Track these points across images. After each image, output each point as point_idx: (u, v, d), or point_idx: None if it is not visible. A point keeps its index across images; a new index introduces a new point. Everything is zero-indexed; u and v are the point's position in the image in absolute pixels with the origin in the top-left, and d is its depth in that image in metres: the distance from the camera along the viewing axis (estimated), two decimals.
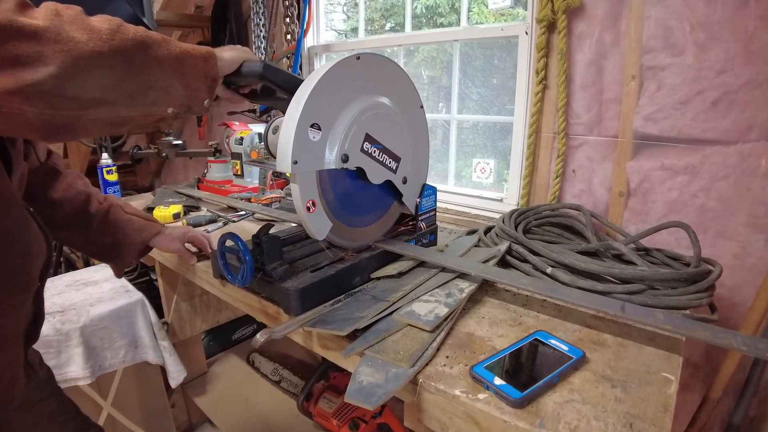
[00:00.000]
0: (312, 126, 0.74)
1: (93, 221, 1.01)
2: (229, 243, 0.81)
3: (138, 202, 1.77)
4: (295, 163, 0.71)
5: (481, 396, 0.61)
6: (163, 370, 1.62)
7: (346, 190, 0.85)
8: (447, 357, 0.69)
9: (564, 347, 0.70)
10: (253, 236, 0.81)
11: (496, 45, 1.53)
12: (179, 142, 1.81)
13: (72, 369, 1.42)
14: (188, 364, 1.72)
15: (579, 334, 0.76)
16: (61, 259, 2.69)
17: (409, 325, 0.73)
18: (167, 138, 1.84)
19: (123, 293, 1.58)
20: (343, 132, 0.79)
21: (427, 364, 0.66)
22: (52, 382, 1.02)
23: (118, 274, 1.14)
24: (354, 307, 0.78)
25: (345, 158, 0.79)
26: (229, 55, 0.74)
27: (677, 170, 1.14)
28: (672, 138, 1.13)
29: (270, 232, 0.83)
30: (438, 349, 0.70)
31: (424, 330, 0.71)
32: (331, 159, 0.78)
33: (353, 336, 0.72)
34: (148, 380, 1.63)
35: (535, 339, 0.72)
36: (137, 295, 1.57)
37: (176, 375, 1.61)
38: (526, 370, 0.66)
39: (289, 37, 1.86)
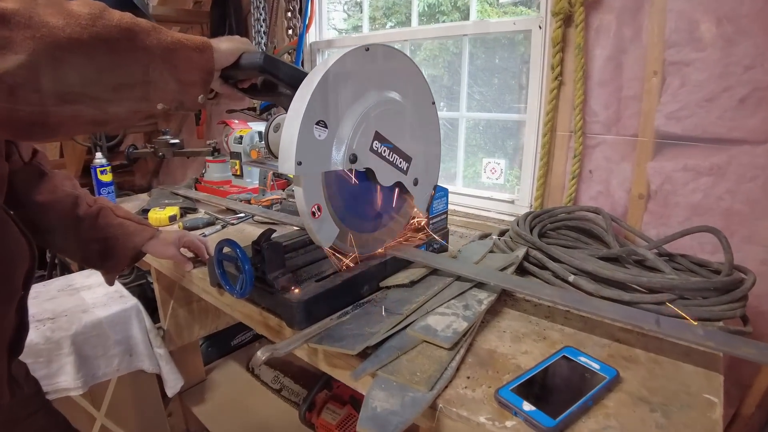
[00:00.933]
0: (317, 124, 0.68)
1: (81, 225, 0.95)
2: (226, 250, 0.75)
3: (133, 203, 1.71)
4: (299, 164, 0.65)
5: (509, 423, 0.54)
6: (159, 378, 1.56)
7: (354, 193, 0.78)
8: (468, 378, 0.62)
9: (595, 365, 0.64)
10: (253, 243, 0.75)
11: (498, 44, 1.47)
12: (176, 141, 1.75)
13: (63, 379, 1.36)
14: (186, 371, 1.66)
15: (608, 350, 0.70)
16: (56, 261, 2.62)
17: (425, 341, 0.67)
18: (164, 137, 1.77)
19: (117, 299, 1.52)
20: (351, 130, 0.72)
21: (446, 387, 0.60)
22: (39, 395, 0.96)
23: (110, 282, 1.08)
24: (363, 320, 0.72)
25: (353, 158, 0.73)
26: (226, 46, 0.68)
27: (701, 171, 1.07)
28: (696, 137, 1.07)
29: (271, 237, 0.77)
30: (458, 369, 0.63)
31: (441, 347, 0.65)
32: (338, 159, 0.71)
33: (364, 353, 0.65)
34: (143, 389, 1.57)
35: (563, 356, 0.66)
36: (132, 300, 1.51)
37: (173, 384, 1.55)
38: (556, 393, 0.60)
39: (290, 32, 1.80)
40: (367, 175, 0.79)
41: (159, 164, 3.06)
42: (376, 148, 0.77)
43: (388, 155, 0.80)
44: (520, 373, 0.62)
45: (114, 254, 0.99)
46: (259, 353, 0.65)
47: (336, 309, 0.76)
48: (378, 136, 0.77)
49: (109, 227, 0.98)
